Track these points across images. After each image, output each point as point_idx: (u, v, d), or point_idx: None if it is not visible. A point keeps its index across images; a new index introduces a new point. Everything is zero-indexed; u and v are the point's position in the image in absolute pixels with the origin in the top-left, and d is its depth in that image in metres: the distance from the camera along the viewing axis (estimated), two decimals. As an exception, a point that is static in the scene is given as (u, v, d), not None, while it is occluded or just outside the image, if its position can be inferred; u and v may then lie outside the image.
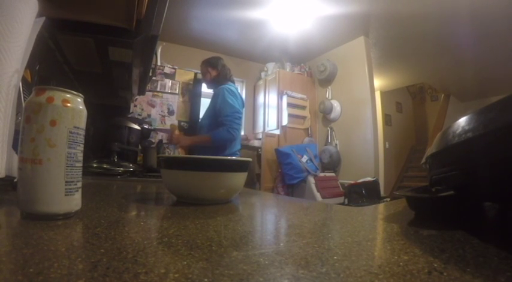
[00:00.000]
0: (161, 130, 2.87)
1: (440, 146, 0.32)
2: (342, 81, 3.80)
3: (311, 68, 4.21)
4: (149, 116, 2.92)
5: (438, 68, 4.21)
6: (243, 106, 1.78)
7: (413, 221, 0.37)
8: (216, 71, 1.77)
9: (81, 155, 0.32)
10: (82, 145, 0.32)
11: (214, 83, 1.78)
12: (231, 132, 1.55)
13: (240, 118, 1.64)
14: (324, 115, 3.89)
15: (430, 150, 0.36)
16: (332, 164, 3.59)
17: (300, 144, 3.63)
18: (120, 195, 0.58)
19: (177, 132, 1.64)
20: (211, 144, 1.58)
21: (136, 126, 1.43)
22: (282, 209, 0.55)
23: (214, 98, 1.68)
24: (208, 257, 0.21)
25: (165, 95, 3.02)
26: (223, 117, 1.57)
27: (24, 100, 0.37)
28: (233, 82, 1.79)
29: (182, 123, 2.88)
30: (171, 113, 2.96)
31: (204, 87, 2.71)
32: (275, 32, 3.42)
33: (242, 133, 3.27)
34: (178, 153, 1.63)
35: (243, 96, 4.00)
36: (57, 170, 0.30)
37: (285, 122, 3.72)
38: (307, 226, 0.35)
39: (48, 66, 0.90)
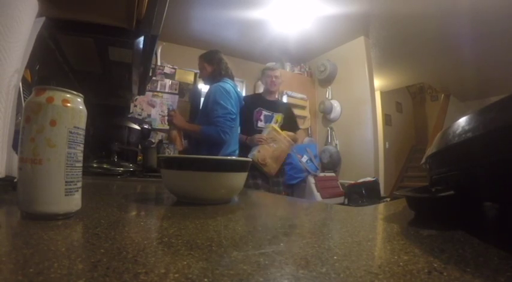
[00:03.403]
0: (161, 130, 2.87)
1: (440, 146, 0.32)
2: (342, 81, 3.80)
3: (311, 68, 4.21)
4: (149, 116, 2.93)
5: (438, 68, 4.21)
6: (240, 104, 1.67)
7: (413, 221, 0.37)
8: (211, 67, 1.66)
9: (81, 155, 0.32)
10: (82, 145, 0.32)
11: (210, 79, 1.67)
12: (221, 135, 1.48)
13: (233, 119, 1.55)
14: (324, 115, 3.89)
15: (430, 150, 0.36)
16: (332, 164, 3.59)
17: (300, 144, 3.63)
18: (120, 195, 0.58)
19: (178, 115, 1.58)
20: (198, 136, 1.53)
21: (136, 126, 1.43)
22: (282, 209, 0.55)
23: (206, 97, 1.60)
24: (208, 257, 0.21)
25: (165, 95, 3.02)
26: (215, 118, 1.49)
27: (24, 100, 0.37)
28: (231, 78, 1.67)
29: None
30: (171, 113, 2.96)
31: (205, 87, 2.70)
32: (275, 32, 3.41)
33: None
34: (175, 135, 1.57)
35: (243, 95, 3.98)
36: (57, 170, 0.30)
37: (285, 122, 3.72)
38: (307, 226, 0.35)
39: (48, 66, 0.90)
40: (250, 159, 0.56)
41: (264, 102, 1.99)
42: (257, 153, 1.79)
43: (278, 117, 1.98)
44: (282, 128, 1.97)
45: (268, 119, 1.97)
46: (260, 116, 1.96)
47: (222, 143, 1.53)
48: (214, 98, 1.52)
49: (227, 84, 1.59)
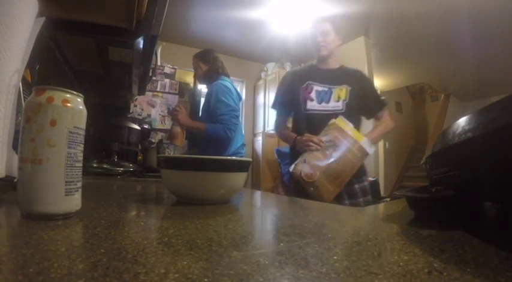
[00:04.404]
0: (161, 130, 2.87)
1: (441, 146, 0.32)
2: (342, 81, 3.80)
3: (311, 68, 4.20)
4: (149, 116, 2.93)
5: (438, 68, 4.21)
6: (240, 101, 1.67)
7: (413, 221, 0.37)
8: (207, 66, 1.66)
9: (81, 155, 0.32)
10: (82, 145, 0.32)
11: (206, 78, 1.68)
12: (227, 133, 1.47)
13: (237, 117, 1.54)
14: (324, 115, 3.89)
15: (430, 150, 0.36)
16: (332, 164, 3.59)
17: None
18: (120, 195, 0.58)
19: (184, 112, 1.55)
20: (203, 134, 1.51)
21: (136, 126, 1.43)
22: (282, 209, 0.55)
23: (208, 96, 1.60)
24: (208, 257, 0.21)
25: (165, 95, 3.02)
26: (219, 115, 1.48)
27: (24, 100, 0.37)
28: (227, 76, 1.67)
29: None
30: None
31: (204, 87, 2.70)
32: (275, 32, 3.42)
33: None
34: (177, 132, 1.54)
35: (243, 96, 3.98)
36: (57, 170, 0.30)
37: (285, 122, 3.69)
38: (307, 226, 0.35)
39: (48, 66, 0.90)
40: (250, 160, 0.55)
41: (315, 73, 1.27)
42: (300, 165, 1.09)
43: (340, 91, 1.21)
44: (352, 110, 1.19)
45: (324, 97, 1.21)
46: (310, 93, 1.22)
47: (227, 140, 1.52)
48: (217, 96, 1.52)
49: (226, 82, 1.59)
